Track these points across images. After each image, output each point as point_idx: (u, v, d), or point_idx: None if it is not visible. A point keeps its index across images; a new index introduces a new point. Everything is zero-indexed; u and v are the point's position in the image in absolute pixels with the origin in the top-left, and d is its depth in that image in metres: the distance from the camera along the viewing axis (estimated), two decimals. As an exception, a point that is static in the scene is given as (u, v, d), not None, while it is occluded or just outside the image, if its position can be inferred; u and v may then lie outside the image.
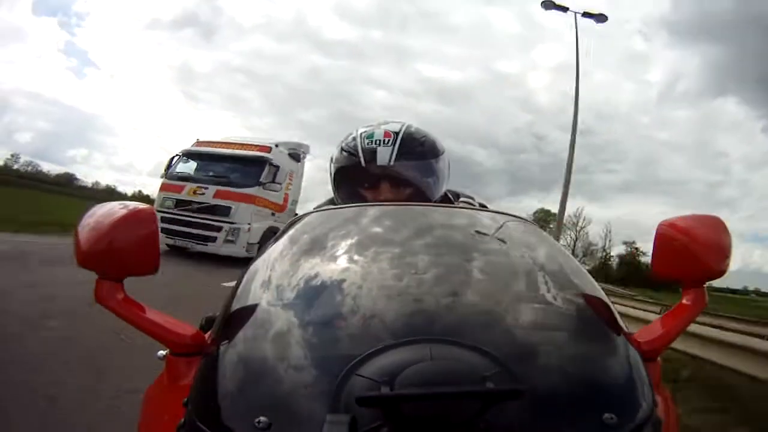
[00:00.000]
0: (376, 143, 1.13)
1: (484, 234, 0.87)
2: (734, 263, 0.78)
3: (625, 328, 0.68)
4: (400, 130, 1.16)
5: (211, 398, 0.56)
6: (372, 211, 0.97)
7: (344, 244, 0.79)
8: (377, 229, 0.84)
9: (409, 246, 0.78)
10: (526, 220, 0.96)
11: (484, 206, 1.25)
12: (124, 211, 0.68)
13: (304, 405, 0.52)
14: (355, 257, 0.74)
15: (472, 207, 1.13)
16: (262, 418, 0.50)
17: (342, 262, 0.74)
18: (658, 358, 0.71)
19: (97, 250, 0.65)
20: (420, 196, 1.16)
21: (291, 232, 0.88)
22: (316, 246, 0.79)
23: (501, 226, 0.91)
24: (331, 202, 1.29)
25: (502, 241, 0.86)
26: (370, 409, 0.47)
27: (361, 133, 1.17)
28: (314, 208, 1.24)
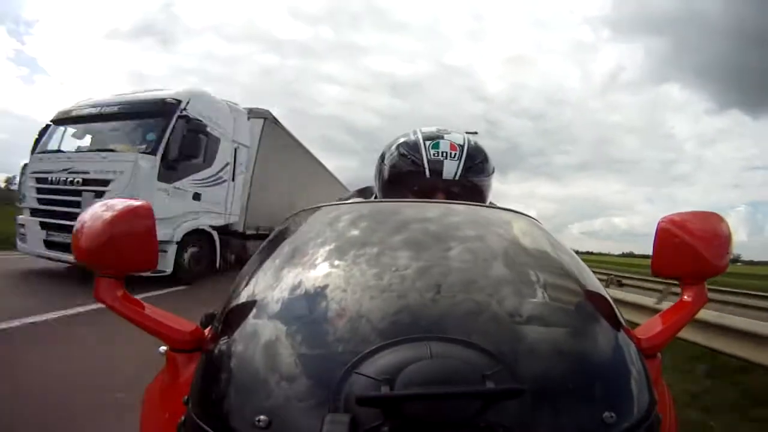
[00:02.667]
0: (442, 155, 1.09)
1: (484, 230, 0.86)
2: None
3: (625, 325, 0.68)
4: (465, 144, 1.13)
5: (211, 397, 0.56)
6: (373, 207, 0.96)
7: (344, 241, 0.79)
8: (378, 226, 0.84)
9: (408, 243, 0.78)
10: (528, 216, 0.96)
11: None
12: (120, 207, 0.68)
13: (304, 403, 0.52)
14: (354, 254, 0.74)
15: (472, 203, 1.12)
16: (262, 417, 0.50)
17: (341, 259, 0.73)
18: (658, 354, 0.71)
19: (95, 246, 0.65)
20: None
21: (290, 228, 0.87)
22: (316, 243, 0.79)
23: (501, 222, 0.90)
24: (360, 193, 1.27)
25: (502, 237, 0.86)
26: (370, 408, 0.47)
27: (425, 141, 1.12)
28: (338, 200, 1.22)
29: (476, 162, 1.12)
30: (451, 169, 1.09)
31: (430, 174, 1.09)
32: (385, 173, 1.16)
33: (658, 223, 0.77)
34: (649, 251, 0.79)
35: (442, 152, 1.10)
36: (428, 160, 1.09)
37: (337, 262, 0.73)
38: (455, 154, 1.10)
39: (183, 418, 0.57)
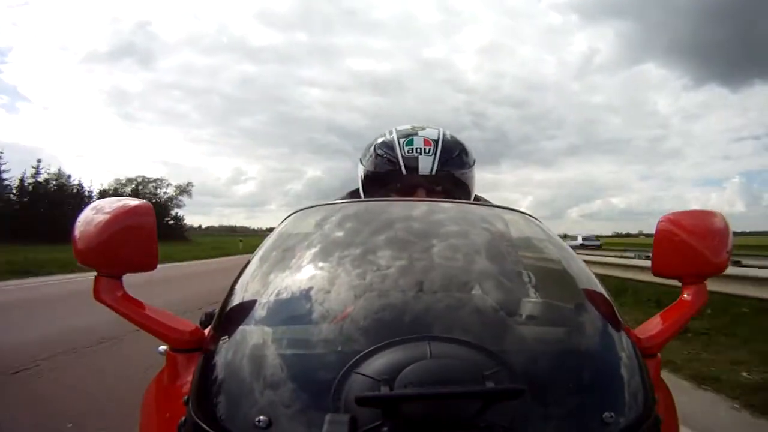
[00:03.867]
0: (417, 151, 1.10)
1: (481, 229, 0.86)
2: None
3: (624, 323, 0.68)
4: (439, 138, 1.13)
5: (211, 397, 0.56)
6: (370, 206, 0.96)
7: (343, 241, 0.79)
8: (376, 225, 0.83)
9: (406, 242, 0.78)
10: (527, 214, 0.96)
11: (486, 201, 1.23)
12: (120, 206, 0.67)
13: (304, 404, 0.52)
14: (353, 254, 0.73)
15: (471, 202, 1.12)
16: (262, 417, 0.50)
17: (341, 258, 0.73)
18: (658, 354, 0.71)
19: (93, 245, 0.65)
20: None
21: (288, 228, 0.87)
22: (316, 242, 0.79)
23: (499, 221, 0.90)
24: (351, 195, 1.28)
25: (500, 235, 0.86)
26: (369, 409, 0.47)
27: (399, 139, 1.12)
28: (334, 200, 1.23)
29: (453, 155, 1.12)
30: (426, 164, 1.09)
31: (406, 171, 1.09)
32: (365, 175, 1.17)
33: (658, 223, 0.77)
34: (647, 229, 0.79)
35: (416, 148, 1.10)
36: (403, 157, 1.10)
37: (336, 262, 0.72)
38: (429, 149, 1.10)
39: (183, 418, 0.57)
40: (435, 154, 1.10)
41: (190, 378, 0.61)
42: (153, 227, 0.69)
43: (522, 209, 0.99)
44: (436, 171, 1.09)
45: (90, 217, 0.67)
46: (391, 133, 1.16)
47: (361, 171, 1.19)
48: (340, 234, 0.81)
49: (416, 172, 1.09)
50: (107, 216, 0.65)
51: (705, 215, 0.75)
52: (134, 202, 0.69)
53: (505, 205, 1.00)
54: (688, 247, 0.72)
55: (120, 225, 0.65)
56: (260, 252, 0.79)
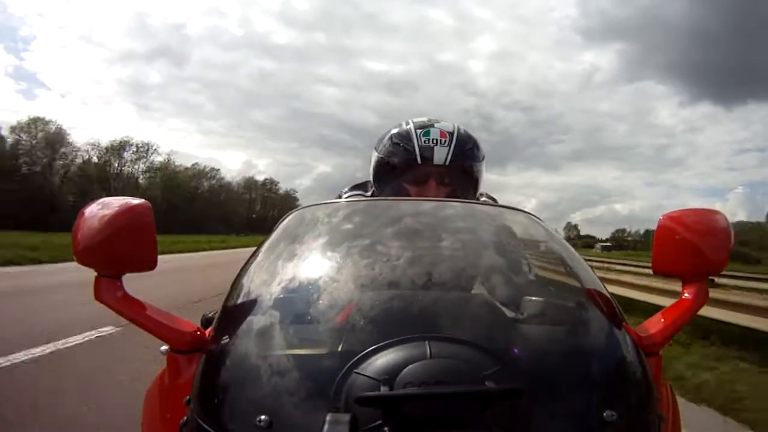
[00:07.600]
0: (433, 142, 1.12)
1: (484, 228, 0.86)
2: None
3: (625, 322, 0.67)
4: (454, 131, 1.15)
5: (212, 397, 0.56)
6: (370, 205, 0.96)
7: (344, 240, 0.78)
8: (377, 224, 0.83)
9: (407, 241, 0.77)
10: (529, 213, 0.95)
11: (494, 200, 1.24)
12: (119, 206, 0.66)
13: (304, 403, 0.52)
14: (354, 253, 0.73)
15: (473, 201, 1.12)
16: (263, 417, 0.50)
17: (341, 258, 0.73)
18: (660, 352, 0.71)
19: (93, 245, 0.64)
20: (460, 195, 1.15)
21: (288, 227, 0.86)
22: (317, 241, 0.78)
23: (501, 220, 0.90)
24: (356, 188, 1.29)
25: (502, 234, 0.85)
26: (370, 408, 0.47)
27: (416, 130, 1.15)
28: (341, 193, 1.26)
29: (466, 148, 1.14)
30: (441, 154, 1.11)
31: (421, 160, 1.11)
32: (379, 163, 1.18)
33: (659, 220, 0.76)
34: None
35: (433, 139, 1.12)
36: (419, 147, 1.11)
37: (337, 261, 0.72)
38: (445, 140, 1.12)
39: (185, 418, 0.57)
40: (450, 145, 1.12)
41: (191, 378, 0.61)
42: (152, 227, 0.69)
43: (526, 209, 0.98)
44: (450, 162, 1.11)
45: (89, 217, 0.66)
46: (407, 123, 1.18)
47: (374, 159, 1.20)
48: (339, 233, 0.81)
49: (431, 162, 1.11)
50: (106, 216, 0.65)
51: (706, 213, 0.74)
52: (134, 201, 0.68)
53: (507, 205, 1.00)
54: (689, 245, 0.71)
55: (119, 225, 0.65)
56: (260, 251, 0.79)
